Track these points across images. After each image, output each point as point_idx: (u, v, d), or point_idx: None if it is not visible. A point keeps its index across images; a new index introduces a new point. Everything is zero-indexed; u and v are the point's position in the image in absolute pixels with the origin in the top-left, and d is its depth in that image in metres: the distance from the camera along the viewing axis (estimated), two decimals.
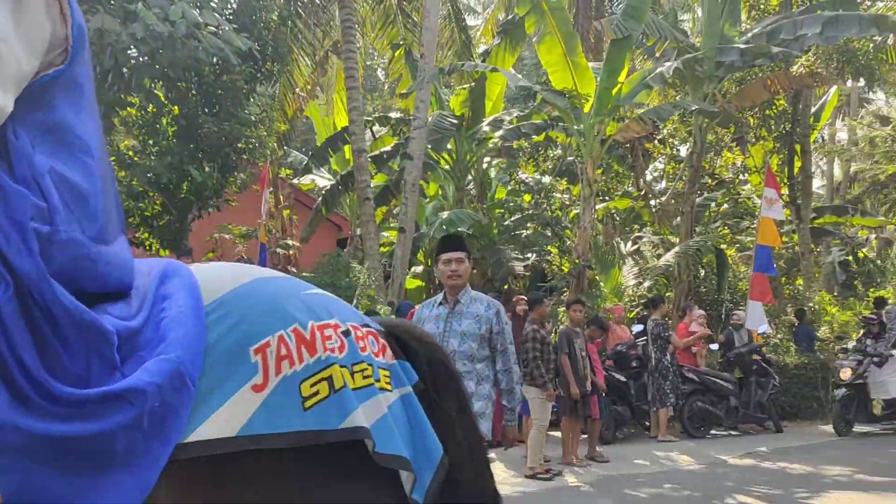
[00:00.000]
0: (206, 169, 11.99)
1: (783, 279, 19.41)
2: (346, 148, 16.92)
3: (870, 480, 8.28)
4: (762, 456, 9.98)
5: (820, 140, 23.89)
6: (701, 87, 15.10)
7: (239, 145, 12.16)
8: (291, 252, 17.04)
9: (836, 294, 19.88)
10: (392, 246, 16.14)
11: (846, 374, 11.52)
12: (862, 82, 20.77)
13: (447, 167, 18.12)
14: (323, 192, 18.05)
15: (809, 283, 18.67)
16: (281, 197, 16.74)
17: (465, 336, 4.70)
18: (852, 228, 23.24)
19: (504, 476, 8.55)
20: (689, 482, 8.21)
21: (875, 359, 11.43)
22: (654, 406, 11.07)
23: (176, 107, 11.85)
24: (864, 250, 22.68)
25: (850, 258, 22.25)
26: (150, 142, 12.23)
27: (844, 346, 13.11)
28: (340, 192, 17.68)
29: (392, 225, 19.16)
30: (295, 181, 19.63)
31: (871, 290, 19.21)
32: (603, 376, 10.13)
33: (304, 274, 14.19)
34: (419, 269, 18.91)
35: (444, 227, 15.99)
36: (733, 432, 12.05)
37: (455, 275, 4.83)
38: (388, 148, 17.93)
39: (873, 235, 25.54)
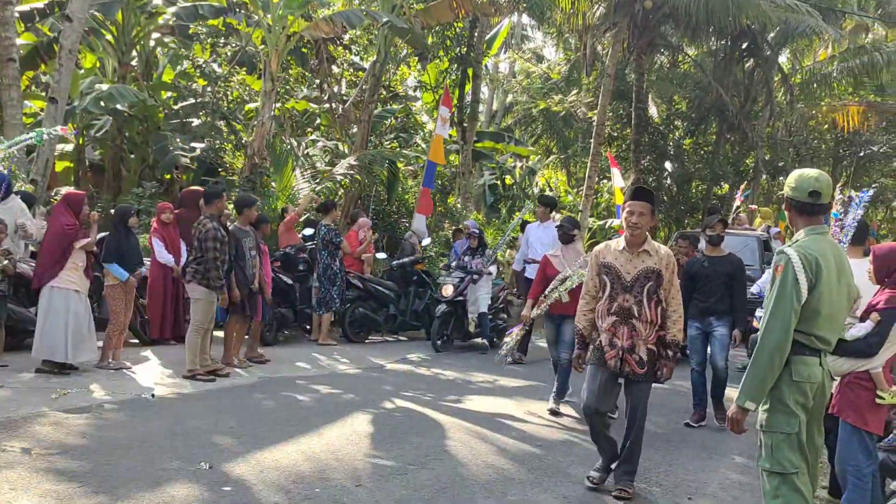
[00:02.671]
0: None
1: (437, 196, 20.50)
2: None
3: (509, 386, 9.09)
4: (416, 363, 10.48)
5: (486, 69, 25.22)
6: None
7: None
8: None
9: (483, 215, 21.44)
10: (37, 117, 14.22)
11: (448, 290, 11.36)
12: (529, 19, 22.19)
13: (109, 37, 16.28)
14: None
15: (466, 202, 19.92)
16: None
17: None
18: (503, 156, 25.04)
19: (160, 376, 8.07)
20: (348, 385, 8.36)
21: (475, 276, 11.39)
22: (319, 310, 11.10)
23: None
24: (509, 177, 24.55)
25: (499, 182, 24.06)
26: None
27: (447, 262, 13.14)
28: None
29: (38, 93, 16.91)
30: None
31: (516, 213, 20.93)
32: (271, 279, 9.87)
33: None
34: (69, 147, 16.98)
35: (103, 101, 14.46)
36: (389, 339, 12.55)
37: None
38: (40, 5, 15.62)
39: (520, 163, 27.73)
